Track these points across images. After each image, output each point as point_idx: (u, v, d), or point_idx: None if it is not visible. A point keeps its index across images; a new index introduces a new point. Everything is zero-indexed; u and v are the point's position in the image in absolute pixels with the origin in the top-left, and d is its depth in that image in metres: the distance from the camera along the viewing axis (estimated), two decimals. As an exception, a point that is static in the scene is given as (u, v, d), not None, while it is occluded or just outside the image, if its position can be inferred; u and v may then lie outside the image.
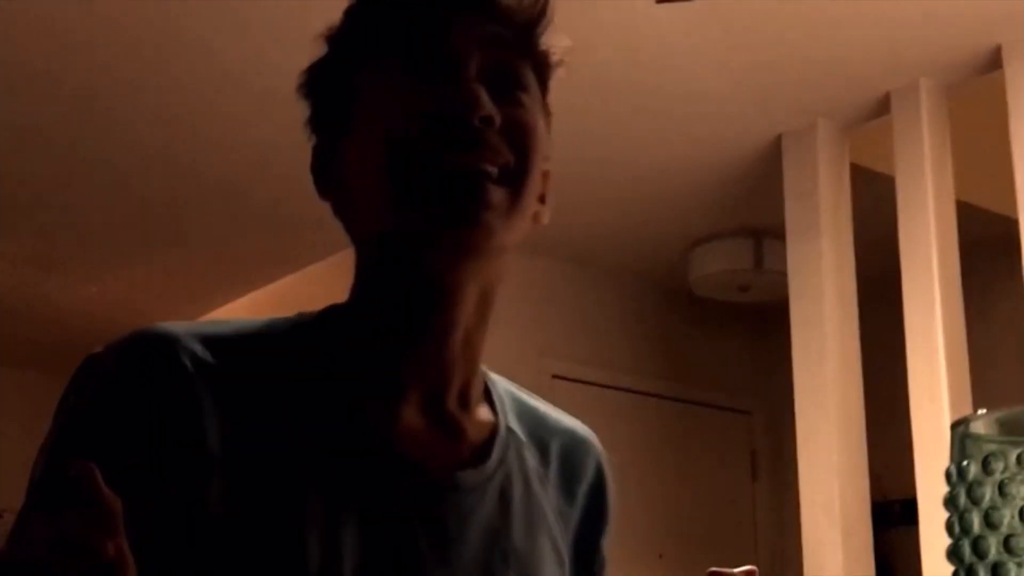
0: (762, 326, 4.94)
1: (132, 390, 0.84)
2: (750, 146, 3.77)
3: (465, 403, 0.96)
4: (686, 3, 2.75)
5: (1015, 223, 3.10)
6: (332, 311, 0.97)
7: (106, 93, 3.46)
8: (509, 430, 0.98)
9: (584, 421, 1.06)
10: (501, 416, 0.98)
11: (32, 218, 4.37)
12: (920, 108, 3.34)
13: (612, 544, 1.05)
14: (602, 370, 4.68)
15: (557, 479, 1.01)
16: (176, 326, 0.88)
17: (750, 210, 4.20)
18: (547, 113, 0.97)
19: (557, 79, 0.98)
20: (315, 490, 0.85)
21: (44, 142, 3.77)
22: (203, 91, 3.37)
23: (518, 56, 0.93)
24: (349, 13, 0.95)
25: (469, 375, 0.96)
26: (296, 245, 4.44)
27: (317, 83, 0.97)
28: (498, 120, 0.88)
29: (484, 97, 0.88)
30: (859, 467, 3.44)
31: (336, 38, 0.95)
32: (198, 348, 0.86)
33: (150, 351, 0.86)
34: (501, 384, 1.03)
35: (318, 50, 0.96)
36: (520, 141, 0.90)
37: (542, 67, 0.96)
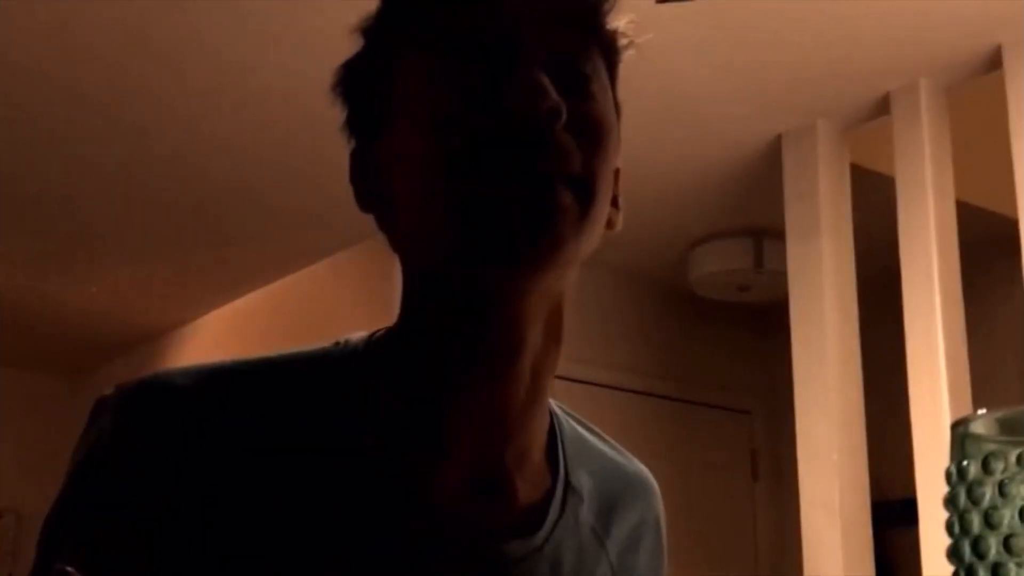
0: (762, 326, 4.94)
1: (130, 446, 0.74)
2: (750, 146, 3.77)
3: (523, 459, 0.82)
4: (686, 3, 2.75)
5: (1015, 223, 3.10)
6: (374, 341, 0.82)
7: (107, 94, 3.46)
8: (567, 486, 0.85)
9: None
10: (562, 469, 0.85)
11: (32, 218, 4.37)
12: (920, 108, 3.34)
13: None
14: (602, 370, 4.68)
15: (616, 537, 0.89)
16: (187, 374, 0.77)
17: (750, 210, 4.20)
18: (618, 106, 0.85)
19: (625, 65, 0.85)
20: (332, 560, 0.74)
21: (45, 142, 3.77)
22: (207, 93, 3.37)
23: (584, 40, 0.80)
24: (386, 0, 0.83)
25: (531, 431, 0.81)
26: (296, 245, 4.44)
27: (353, 80, 0.84)
28: (565, 114, 0.75)
29: (549, 86, 0.74)
30: (859, 467, 3.44)
31: (372, 28, 0.83)
32: (207, 399, 0.76)
33: (154, 403, 0.75)
34: (566, 424, 0.89)
35: (353, 45, 0.84)
36: (591, 139, 0.77)
37: (610, 52, 0.84)
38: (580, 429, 0.91)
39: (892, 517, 4.08)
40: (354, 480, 0.76)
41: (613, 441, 0.95)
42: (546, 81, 0.75)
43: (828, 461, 3.40)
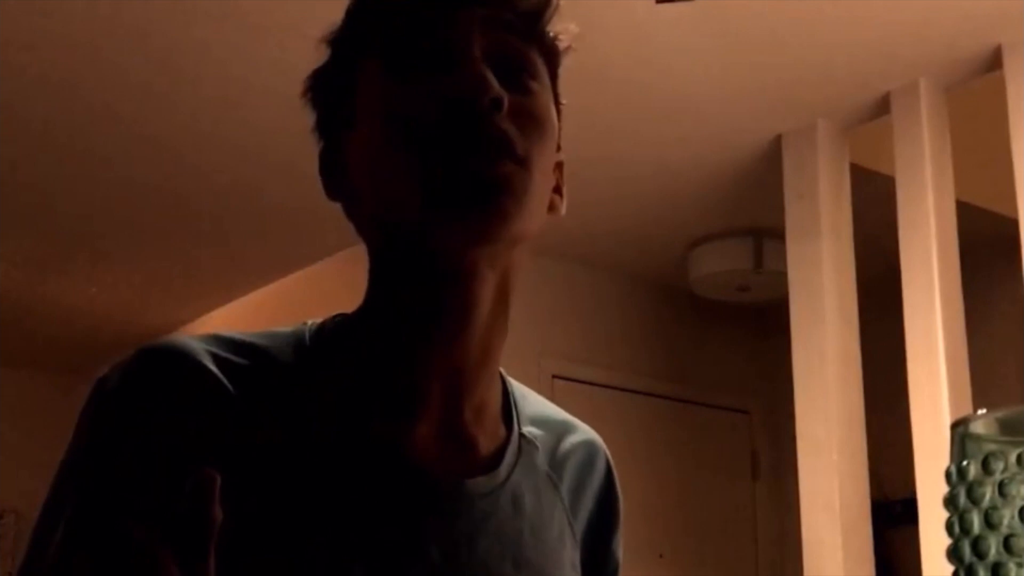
0: (762, 326, 4.94)
1: (150, 402, 0.82)
2: (750, 146, 3.77)
3: (481, 414, 0.93)
4: (686, 3, 2.75)
5: (1015, 223, 3.10)
6: (340, 319, 0.94)
7: (107, 95, 3.46)
8: (522, 436, 0.96)
9: (584, 421, 1.06)
10: (515, 423, 0.96)
11: (32, 218, 4.37)
12: (920, 108, 3.34)
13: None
14: (602, 370, 4.68)
15: (568, 483, 0.99)
16: (184, 338, 0.86)
17: (750, 210, 4.20)
18: (558, 102, 0.94)
19: (566, 67, 0.95)
20: (322, 498, 0.83)
21: (45, 143, 3.77)
22: (207, 92, 3.37)
23: (525, 41, 0.90)
24: (349, 13, 0.93)
25: (487, 386, 0.93)
26: (296, 245, 4.44)
27: (320, 87, 0.95)
28: (507, 103, 0.85)
29: (492, 79, 0.85)
30: (859, 467, 3.44)
31: (337, 38, 0.94)
32: (208, 359, 0.84)
33: (163, 363, 0.84)
34: (517, 388, 1.00)
35: (321, 56, 0.94)
36: (531, 128, 0.87)
37: (550, 54, 0.93)
38: (535, 398, 1.02)
39: (892, 517, 4.08)
40: (341, 433, 0.86)
41: (564, 411, 1.05)
42: (489, 75, 0.85)
43: (828, 461, 3.40)
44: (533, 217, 0.87)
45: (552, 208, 0.92)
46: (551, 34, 0.93)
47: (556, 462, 0.98)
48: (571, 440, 1.01)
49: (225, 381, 0.84)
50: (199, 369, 0.83)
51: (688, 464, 4.80)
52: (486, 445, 0.92)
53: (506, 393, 0.97)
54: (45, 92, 3.45)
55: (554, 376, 4.50)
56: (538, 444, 0.97)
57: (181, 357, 0.84)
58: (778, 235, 3.89)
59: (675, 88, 3.42)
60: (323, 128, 0.95)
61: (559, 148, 0.93)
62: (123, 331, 5.45)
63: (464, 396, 0.91)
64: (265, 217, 4.24)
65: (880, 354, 3.61)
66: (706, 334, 5.04)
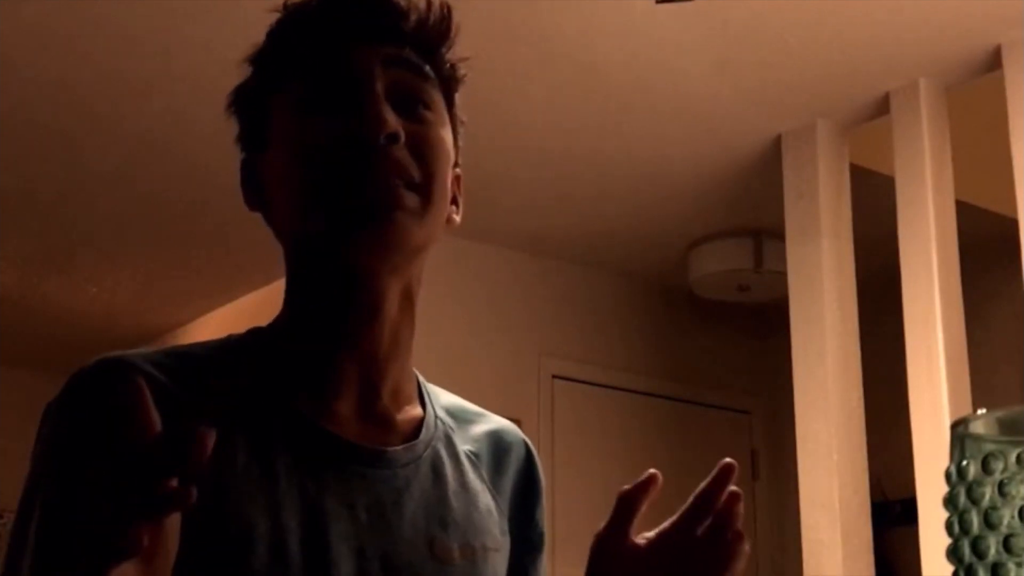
0: (762, 326, 4.94)
1: (97, 400, 0.90)
2: (750, 146, 3.77)
3: (397, 396, 1.03)
4: (686, 3, 2.75)
5: (1015, 223, 3.10)
6: (262, 328, 1.04)
7: (107, 95, 3.46)
8: (438, 418, 1.06)
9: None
10: (430, 407, 1.06)
11: (32, 218, 4.37)
12: (920, 108, 3.34)
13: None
14: (602, 370, 4.68)
15: (488, 461, 1.08)
16: (130, 352, 0.96)
17: (750, 210, 4.20)
18: (456, 123, 1.05)
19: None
20: (254, 466, 0.92)
21: (45, 143, 3.77)
22: (207, 93, 3.37)
23: (422, 75, 1.00)
24: (268, 36, 1.03)
25: (399, 373, 1.02)
26: (296, 245, 4.43)
27: (241, 103, 1.07)
28: (403, 136, 0.96)
29: (389, 116, 0.96)
30: (859, 467, 3.44)
31: (257, 61, 1.04)
32: (148, 367, 0.93)
33: (105, 368, 0.93)
34: (429, 384, 1.10)
35: (244, 72, 1.05)
36: (425, 155, 0.97)
37: (447, 82, 1.03)
38: (453, 396, 1.12)
39: (892, 517, 4.08)
40: (271, 417, 0.96)
41: (476, 406, 1.15)
42: (388, 112, 0.96)
43: (828, 461, 3.40)
44: (430, 230, 0.98)
45: (449, 220, 1.03)
46: (448, 65, 1.03)
47: (473, 444, 1.08)
48: (484, 427, 1.11)
49: (161, 377, 0.93)
50: (138, 369, 0.92)
51: (688, 464, 4.79)
52: (403, 422, 1.02)
53: (419, 385, 1.08)
54: (45, 92, 3.45)
55: (554, 376, 4.50)
56: (455, 428, 1.07)
57: (120, 362, 0.93)
58: (778, 235, 3.89)
59: (675, 88, 3.42)
60: (243, 142, 1.08)
61: (457, 164, 1.05)
62: (123, 331, 5.45)
63: (379, 381, 1.01)
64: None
65: (880, 354, 3.61)
66: (706, 334, 5.04)
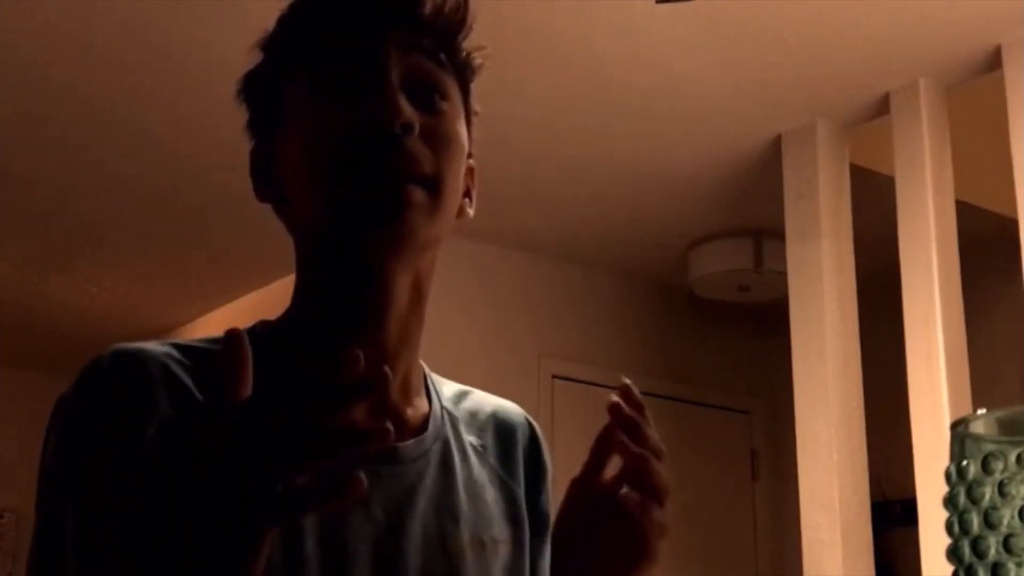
0: (762, 326, 4.94)
1: (119, 386, 0.90)
2: (750, 146, 3.77)
3: (406, 390, 1.02)
4: (686, 3, 2.75)
5: (1015, 223, 3.10)
6: (270, 321, 1.02)
7: (108, 94, 3.46)
8: (444, 409, 1.06)
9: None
10: (436, 400, 1.06)
11: (32, 218, 4.37)
12: (920, 108, 3.34)
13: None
14: (602, 370, 4.67)
15: (495, 449, 1.08)
16: (141, 343, 0.94)
17: (750, 210, 4.20)
18: (470, 113, 1.03)
19: (480, 81, 1.04)
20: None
21: (45, 142, 3.77)
22: (209, 93, 3.37)
23: (438, 64, 0.99)
24: (280, 21, 1.01)
25: (408, 366, 1.02)
26: (296, 245, 4.43)
27: (252, 89, 1.04)
28: (417, 127, 0.94)
29: (404, 105, 0.94)
30: (859, 467, 3.44)
31: (268, 46, 1.02)
32: (163, 357, 0.92)
33: (124, 357, 0.91)
34: (434, 375, 1.10)
35: (254, 58, 1.03)
36: (439, 146, 0.96)
37: (463, 72, 1.02)
38: (459, 386, 1.12)
39: (892, 517, 4.08)
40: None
41: (489, 393, 1.15)
42: (403, 101, 0.94)
43: (828, 461, 3.40)
44: (440, 226, 0.97)
45: (461, 213, 1.02)
46: (464, 54, 1.02)
47: (479, 434, 1.08)
48: (486, 411, 1.10)
49: (176, 369, 0.92)
50: (156, 361, 0.91)
51: (688, 464, 4.80)
52: (413, 417, 1.02)
53: (425, 376, 1.07)
54: (45, 93, 3.45)
55: (554, 376, 4.50)
56: (461, 419, 1.07)
57: (141, 353, 0.92)
58: (778, 235, 3.89)
59: (675, 88, 3.42)
60: (253, 129, 1.04)
61: (471, 156, 1.04)
62: (123, 331, 5.45)
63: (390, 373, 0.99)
64: (265, 218, 4.21)
65: (880, 354, 3.61)
66: (706, 334, 5.04)
